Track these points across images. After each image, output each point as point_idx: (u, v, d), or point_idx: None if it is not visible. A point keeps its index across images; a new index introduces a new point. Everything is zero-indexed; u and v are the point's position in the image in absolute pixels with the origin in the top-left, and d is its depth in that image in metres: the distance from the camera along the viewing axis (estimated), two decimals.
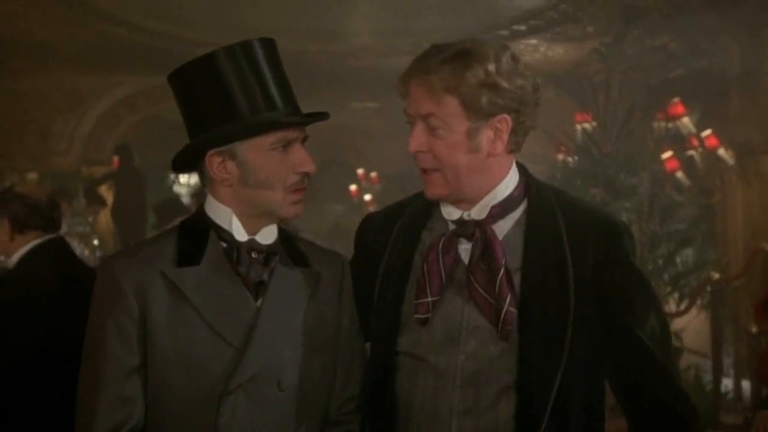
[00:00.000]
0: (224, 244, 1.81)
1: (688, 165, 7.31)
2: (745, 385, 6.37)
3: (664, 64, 7.61)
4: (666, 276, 6.78)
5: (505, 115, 1.75)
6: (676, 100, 7.26)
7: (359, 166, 13.23)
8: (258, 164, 1.79)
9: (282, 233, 1.91)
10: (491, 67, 1.73)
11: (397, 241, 1.90)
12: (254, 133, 1.78)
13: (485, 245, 1.76)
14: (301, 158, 1.81)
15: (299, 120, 1.82)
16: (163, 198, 8.57)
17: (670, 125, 7.41)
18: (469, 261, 1.78)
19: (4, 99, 9.90)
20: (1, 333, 3.20)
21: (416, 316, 1.81)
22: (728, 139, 7.27)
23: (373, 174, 13.02)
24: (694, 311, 6.45)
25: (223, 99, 1.78)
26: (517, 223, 1.81)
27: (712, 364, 6.27)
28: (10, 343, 3.10)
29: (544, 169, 7.09)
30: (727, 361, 6.52)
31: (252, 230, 1.83)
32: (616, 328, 1.78)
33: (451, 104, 1.73)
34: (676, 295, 6.71)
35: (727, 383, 6.36)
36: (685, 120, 7.26)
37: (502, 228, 1.80)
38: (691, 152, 7.28)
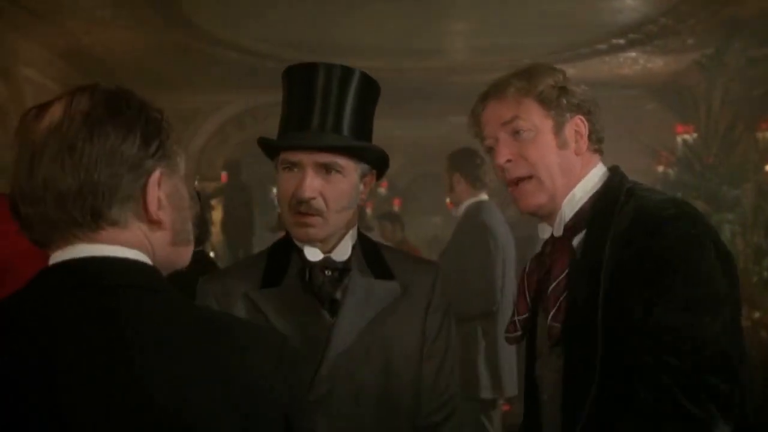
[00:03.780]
0: (301, 264, 1.84)
1: None
2: None
3: (767, 75, 7.49)
4: None
5: (581, 117, 1.78)
6: None
7: None
8: (277, 182, 1.85)
9: (367, 246, 1.92)
10: (558, 75, 1.80)
11: None
12: (264, 149, 1.86)
13: (551, 263, 1.77)
14: (298, 183, 1.79)
15: (281, 142, 1.82)
16: (270, 210, 8.90)
17: None
18: (540, 279, 1.80)
19: None
20: None
21: (506, 334, 1.87)
22: None
23: None
24: None
25: (282, 113, 1.87)
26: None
27: None
28: None
29: (643, 181, 7.05)
30: None
31: (326, 248, 1.85)
32: (629, 326, 1.57)
33: (531, 105, 1.76)
34: None
35: None
36: None
37: (577, 242, 1.75)
38: None
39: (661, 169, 8.38)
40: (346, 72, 1.84)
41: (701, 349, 1.51)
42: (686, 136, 7.96)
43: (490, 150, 1.82)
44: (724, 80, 7.51)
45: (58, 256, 1.15)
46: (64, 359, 1.06)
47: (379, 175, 1.93)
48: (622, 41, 8.29)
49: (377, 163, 1.89)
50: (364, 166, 1.86)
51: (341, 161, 1.80)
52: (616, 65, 9.13)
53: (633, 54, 8.74)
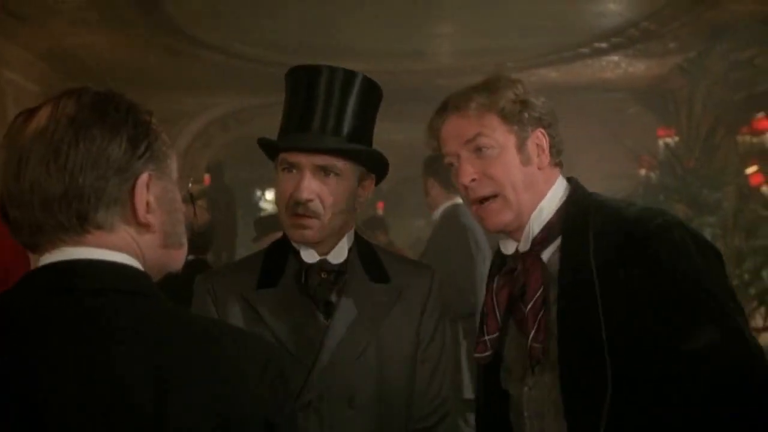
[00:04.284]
0: (298, 266, 1.85)
1: None
2: None
3: (749, 79, 7.54)
4: (752, 291, 6.73)
5: (542, 130, 1.74)
6: (761, 114, 7.22)
7: None
8: (276, 183, 1.85)
9: (364, 249, 1.92)
10: (519, 87, 1.75)
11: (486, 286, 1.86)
12: (263, 149, 1.86)
13: (524, 279, 1.70)
14: (296, 185, 1.79)
15: (281, 143, 1.81)
16: (255, 213, 8.88)
17: (754, 140, 7.36)
18: (511, 294, 1.74)
19: None
20: None
21: (475, 354, 1.80)
22: None
23: None
24: None
25: (284, 113, 1.87)
26: (557, 249, 1.71)
27: None
28: None
29: (626, 185, 7.11)
30: None
31: (323, 251, 1.86)
32: (656, 349, 1.54)
33: (493, 120, 1.71)
34: (762, 310, 6.65)
35: None
36: None
37: (546, 256, 1.72)
38: None
39: (643, 172, 8.43)
40: (349, 75, 1.84)
41: (748, 357, 1.52)
42: (668, 140, 8.02)
43: (451, 166, 1.78)
44: (706, 84, 7.56)
45: (46, 258, 1.15)
46: (43, 361, 1.06)
47: (378, 180, 1.93)
48: (604, 45, 8.32)
49: (376, 167, 1.89)
50: (363, 170, 1.86)
51: (340, 164, 1.80)
52: (599, 69, 9.17)
53: (615, 58, 8.78)
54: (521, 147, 1.72)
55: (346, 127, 1.82)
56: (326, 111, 1.81)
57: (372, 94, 1.89)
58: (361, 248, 1.92)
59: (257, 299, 1.83)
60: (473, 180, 1.72)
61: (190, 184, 1.42)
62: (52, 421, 1.03)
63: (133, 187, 1.15)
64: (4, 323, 1.09)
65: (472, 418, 4.23)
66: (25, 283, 1.14)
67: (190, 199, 1.46)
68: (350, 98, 1.83)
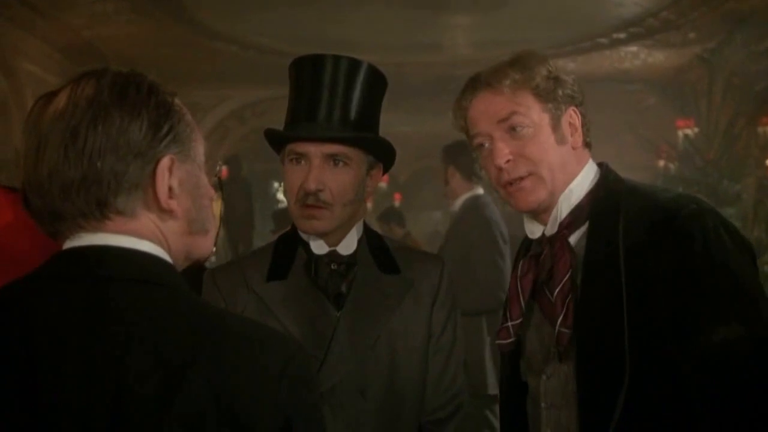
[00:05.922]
0: (307, 257, 1.83)
1: None
2: None
3: None
4: None
5: (574, 108, 1.67)
6: None
7: None
8: (284, 174, 1.82)
9: (373, 240, 1.90)
10: (551, 63, 1.68)
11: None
12: (270, 141, 1.83)
13: (552, 263, 1.64)
14: (305, 175, 1.78)
15: (289, 134, 1.80)
16: (272, 205, 8.90)
17: None
18: (536, 280, 1.67)
19: None
20: None
21: (497, 341, 1.73)
22: None
23: None
24: None
25: (289, 104, 1.84)
26: (585, 234, 1.64)
27: None
28: None
29: (644, 176, 7.08)
30: None
31: (332, 242, 1.84)
32: (677, 340, 1.48)
33: (528, 98, 1.64)
34: None
35: None
36: None
37: (574, 240, 1.65)
38: None
39: (662, 163, 8.37)
40: (354, 64, 1.82)
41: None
42: (687, 131, 7.96)
43: (480, 147, 1.69)
44: (726, 74, 7.50)
45: (66, 246, 1.11)
46: (47, 351, 1.03)
47: (386, 169, 1.90)
48: (623, 35, 8.27)
49: (384, 155, 1.87)
50: (371, 159, 1.84)
51: (349, 153, 1.78)
52: (617, 59, 9.11)
53: (634, 48, 8.72)
54: (556, 126, 1.65)
55: (353, 115, 1.80)
56: (332, 100, 1.79)
57: (377, 82, 1.86)
58: (371, 239, 1.90)
59: (267, 292, 1.81)
60: (508, 161, 1.64)
61: (218, 168, 1.37)
62: (52, 410, 1.00)
63: (154, 171, 1.11)
64: (11, 310, 1.07)
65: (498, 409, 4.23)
66: (39, 270, 1.11)
67: (219, 186, 1.41)
68: (356, 87, 1.81)
